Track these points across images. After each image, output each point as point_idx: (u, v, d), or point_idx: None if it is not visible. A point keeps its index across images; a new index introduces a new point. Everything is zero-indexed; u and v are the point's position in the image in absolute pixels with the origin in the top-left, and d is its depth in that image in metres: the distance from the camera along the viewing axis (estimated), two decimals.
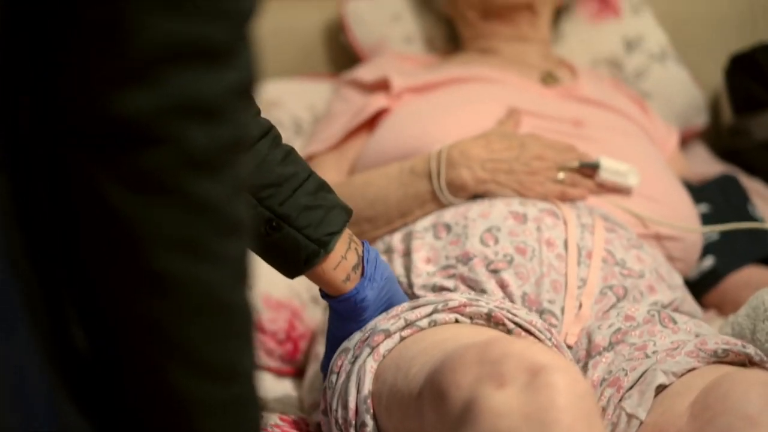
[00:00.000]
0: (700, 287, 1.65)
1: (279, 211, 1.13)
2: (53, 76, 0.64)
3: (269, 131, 1.14)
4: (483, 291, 1.31)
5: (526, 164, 1.45)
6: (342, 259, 1.17)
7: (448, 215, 1.41)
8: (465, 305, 1.20)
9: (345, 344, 1.23)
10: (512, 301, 1.30)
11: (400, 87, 1.65)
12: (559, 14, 1.94)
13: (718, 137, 2.17)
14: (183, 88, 0.63)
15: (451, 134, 1.50)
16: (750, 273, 1.67)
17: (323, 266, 1.17)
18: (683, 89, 2.06)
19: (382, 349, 1.16)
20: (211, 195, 0.66)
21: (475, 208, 1.40)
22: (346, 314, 1.22)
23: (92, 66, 0.62)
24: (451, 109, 1.58)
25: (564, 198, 1.44)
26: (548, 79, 1.73)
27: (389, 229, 1.46)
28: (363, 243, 1.21)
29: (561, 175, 1.45)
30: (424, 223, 1.42)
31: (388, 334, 1.17)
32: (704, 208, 1.71)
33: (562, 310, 1.30)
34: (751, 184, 1.90)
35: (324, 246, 1.15)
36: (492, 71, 1.69)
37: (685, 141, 2.06)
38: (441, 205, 1.44)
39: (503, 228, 1.36)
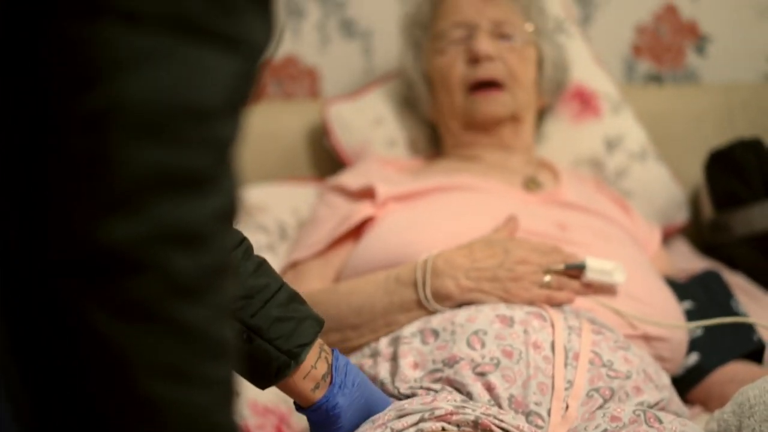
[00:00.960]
0: (686, 383, 1.66)
1: (250, 322, 1.13)
2: (38, 205, 0.65)
3: (241, 243, 1.15)
4: (469, 394, 1.32)
5: (511, 270, 1.46)
6: (312, 368, 1.18)
7: (436, 321, 1.42)
8: (452, 413, 1.21)
9: None
10: (499, 403, 1.31)
11: (384, 195, 1.67)
12: (541, 116, 1.97)
13: (699, 232, 2.19)
14: (166, 216, 0.64)
15: (436, 245, 1.52)
16: (735, 369, 1.68)
17: (294, 377, 1.17)
18: (664, 187, 2.09)
19: None
20: (198, 320, 0.66)
21: (462, 314, 1.41)
22: (321, 423, 1.22)
23: (76, 195, 0.63)
24: (435, 220, 1.60)
25: (551, 302, 1.45)
26: (531, 184, 1.76)
27: (374, 336, 1.47)
28: (332, 351, 1.22)
29: (547, 278, 1.47)
30: (411, 329, 1.43)
31: None
32: (688, 305, 1.73)
33: (549, 412, 1.30)
34: (733, 279, 1.93)
35: (295, 358, 1.15)
36: (475, 179, 1.72)
37: (667, 237, 2.09)
38: (427, 312, 1.46)
39: (490, 331, 1.37)
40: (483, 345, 1.36)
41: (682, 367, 1.67)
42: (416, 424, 1.20)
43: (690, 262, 2.04)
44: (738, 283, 1.93)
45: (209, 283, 0.67)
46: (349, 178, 1.78)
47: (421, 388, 1.34)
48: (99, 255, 0.64)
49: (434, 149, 1.98)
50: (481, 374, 1.33)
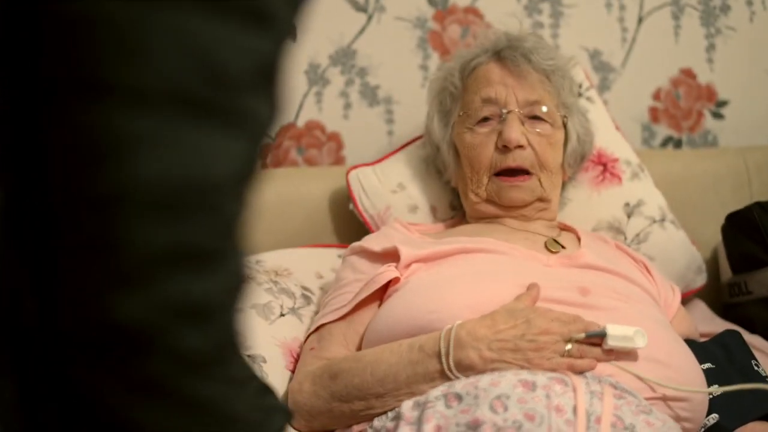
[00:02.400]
0: None
1: None
2: (51, 282, 0.66)
3: None
4: None
5: (533, 340, 1.49)
6: None
7: (459, 385, 1.44)
8: None
9: None
10: None
11: (408, 257, 1.70)
12: (564, 185, 2.00)
13: (718, 293, 2.21)
14: (175, 293, 0.65)
15: (459, 311, 1.54)
16: (755, 429, 1.68)
17: None
18: (683, 252, 2.12)
19: None
20: (209, 395, 0.68)
21: (485, 378, 1.43)
22: None
23: (86, 274, 0.64)
24: (457, 285, 1.61)
25: (572, 370, 1.48)
26: (553, 246, 1.79)
27: (398, 403, 1.49)
28: None
29: (568, 347, 1.49)
30: (435, 393, 1.44)
31: None
32: (708, 366, 1.74)
33: None
34: (751, 339, 1.94)
35: None
36: (497, 242, 1.74)
37: (685, 297, 2.10)
38: (450, 381, 1.48)
39: (512, 396, 1.39)
40: (506, 409, 1.37)
41: (703, 428, 1.68)
42: None
43: (708, 322, 2.06)
44: (756, 343, 1.94)
45: (219, 357, 0.68)
46: (373, 242, 1.81)
47: None
48: (110, 332, 0.65)
49: (454, 214, 2.01)
50: None
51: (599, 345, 1.51)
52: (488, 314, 1.52)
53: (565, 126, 1.88)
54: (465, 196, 1.90)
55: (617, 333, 1.51)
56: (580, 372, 1.48)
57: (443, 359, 1.48)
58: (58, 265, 0.65)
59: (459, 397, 1.42)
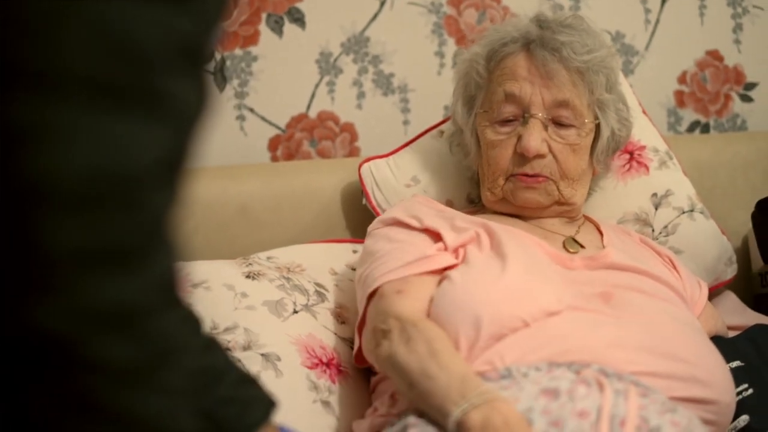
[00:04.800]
0: None
1: (196, 403, 1.09)
2: None
3: (191, 319, 1.11)
4: None
5: None
6: None
7: None
8: None
9: None
10: None
11: (455, 244, 1.65)
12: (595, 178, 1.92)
13: (748, 283, 2.17)
14: (94, 298, 0.61)
15: (504, 308, 1.52)
16: None
17: None
18: (713, 243, 2.05)
19: None
20: (148, 410, 0.64)
21: (507, 394, 1.39)
22: None
23: (5, 276, 0.61)
24: (502, 281, 1.57)
25: None
26: (571, 246, 1.73)
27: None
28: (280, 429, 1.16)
29: None
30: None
31: None
32: (737, 364, 1.70)
33: None
34: None
35: None
36: (526, 235, 1.70)
37: (715, 290, 2.04)
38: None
39: (536, 408, 1.37)
40: (531, 423, 1.34)
41: (732, 430, 1.63)
42: None
43: (739, 315, 2.02)
44: None
45: (156, 365, 0.64)
46: (403, 214, 1.74)
47: None
48: (34, 341, 0.61)
49: (471, 208, 1.96)
50: None
51: None
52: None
53: (598, 125, 1.80)
54: (482, 189, 1.84)
55: None
56: None
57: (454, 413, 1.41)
58: None
59: None
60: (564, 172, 1.76)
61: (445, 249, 1.65)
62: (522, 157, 1.74)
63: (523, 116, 1.75)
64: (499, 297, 1.54)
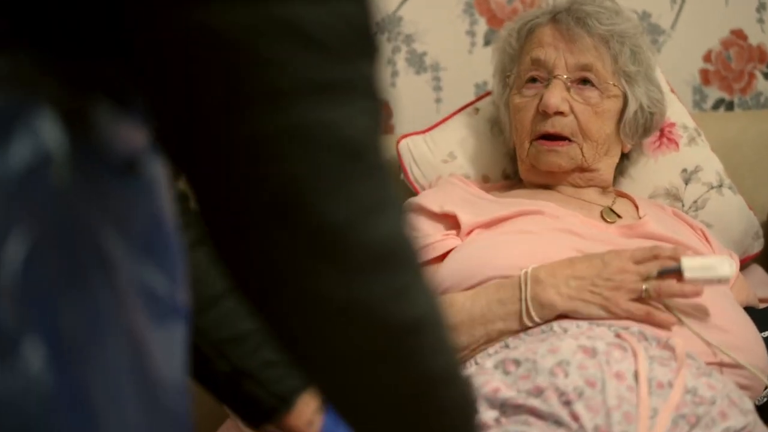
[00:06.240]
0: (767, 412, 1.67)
1: (241, 365, 1.13)
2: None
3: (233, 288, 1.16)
4: (557, 423, 1.34)
5: (609, 279, 1.52)
6: (305, 407, 1.17)
7: (517, 352, 1.45)
8: None
9: None
10: None
11: (469, 226, 1.71)
12: (625, 155, 1.98)
13: None
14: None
15: (526, 261, 1.58)
16: None
17: (289, 420, 1.16)
18: (740, 218, 2.11)
19: None
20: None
21: (545, 345, 1.44)
22: None
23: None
24: (519, 244, 1.63)
25: (649, 321, 1.48)
26: (609, 216, 1.78)
27: (470, 341, 1.50)
28: None
29: (645, 286, 1.50)
30: (491, 362, 1.45)
31: None
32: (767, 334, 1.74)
33: None
34: None
35: (286, 401, 1.15)
36: (557, 208, 1.75)
37: (742, 264, 2.09)
38: (523, 326, 1.51)
39: (573, 362, 1.40)
40: (566, 375, 1.39)
41: (765, 396, 1.68)
42: None
43: (766, 288, 2.05)
44: None
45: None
46: (430, 200, 1.81)
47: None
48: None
49: (507, 183, 2.01)
50: (567, 403, 1.35)
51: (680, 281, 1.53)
52: (565, 258, 1.54)
53: (625, 95, 1.85)
54: (518, 160, 1.90)
55: (695, 264, 1.51)
56: (657, 325, 1.48)
57: (522, 297, 1.49)
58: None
59: (517, 363, 1.44)
60: (585, 132, 1.81)
61: (458, 232, 1.71)
62: (544, 115, 1.80)
63: (548, 78, 1.82)
64: (500, 254, 1.62)
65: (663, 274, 1.53)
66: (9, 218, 0.65)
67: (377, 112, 0.71)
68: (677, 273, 1.52)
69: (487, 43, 2.29)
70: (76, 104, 0.70)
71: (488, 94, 2.07)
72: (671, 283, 1.53)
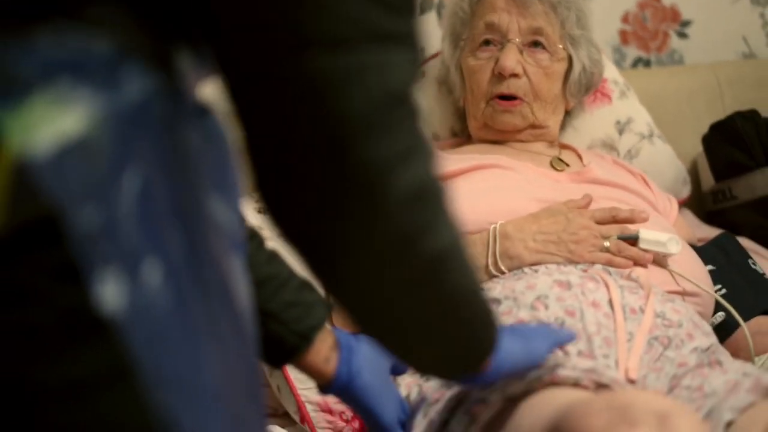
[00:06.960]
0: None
1: (264, 307, 1.18)
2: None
3: (255, 234, 1.22)
4: None
5: (574, 233, 1.62)
6: (322, 345, 1.24)
7: (496, 291, 1.54)
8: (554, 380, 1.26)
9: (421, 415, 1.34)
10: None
11: None
12: (571, 113, 2.09)
13: (699, 202, 2.35)
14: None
15: (491, 216, 1.66)
16: (759, 322, 1.80)
17: (308, 357, 1.23)
18: (670, 165, 2.26)
19: (486, 416, 1.26)
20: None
21: (521, 282, 1.53)
22: (345, 386, 1.26)
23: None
24: (481, 200, 1.72)
25: (611, 264, 1.59)
26: (558, 164, 1.89)
27: None
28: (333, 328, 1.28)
29: (606, 243, 1.61)
30: None
31: (486, 403, 1.26)
32: (710, 267, 1.86)
33: (617, 363, 1.43)
34: (741, 242, 2.06)
35: (307, 338, 1.21)
36: (509, 160, 1.84)
37: None
38: (490, 277, 1.60)
39: (551, 295, 1.50)
40: (546, 307, 1.48)
41: (711, 324, 1.79)
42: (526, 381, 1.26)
43: (696, 229, 2.20)
44: (746, 245, 2.07)
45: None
46: None
47: None
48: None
49: (456, 140, 2.10)
50: None
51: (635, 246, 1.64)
52: (531, 213, 1.63)
53: (570, 57, 1.96)
54: (468, 119, 1.99)
55: (650, 237, 1.64)
56: (617, 267, 1.59)
57: (489, 252, 1.58)
58: None
59: (498, 301, 1.52)
60: (537, 93, 1.91)
61: None
62: (500, 77, 1.90)
63: (501, 42, 1.92)
64: (466, 209, 1.68)
65: (621, 239, 1.65)
66: (127, 147, 0.72)
67: (418, 63, 0.81)
68: (633, 240, 1.65)
69: (422, 11, 2.38)
70: (163, 52, 0.78)
71: (433, 57, 2.16)
72: (629, 247, 1.65)
